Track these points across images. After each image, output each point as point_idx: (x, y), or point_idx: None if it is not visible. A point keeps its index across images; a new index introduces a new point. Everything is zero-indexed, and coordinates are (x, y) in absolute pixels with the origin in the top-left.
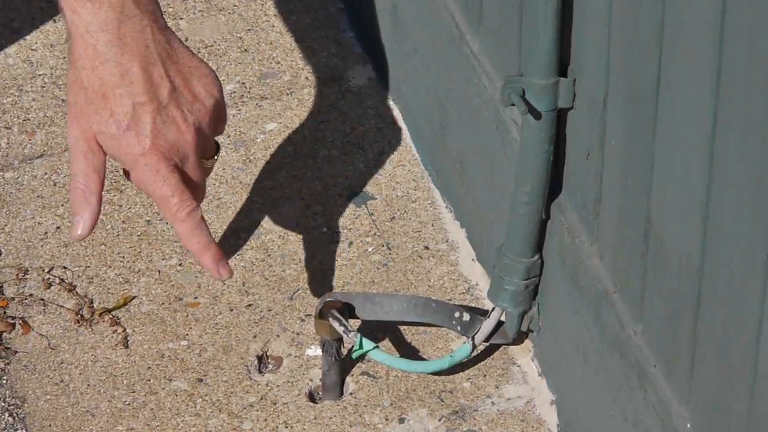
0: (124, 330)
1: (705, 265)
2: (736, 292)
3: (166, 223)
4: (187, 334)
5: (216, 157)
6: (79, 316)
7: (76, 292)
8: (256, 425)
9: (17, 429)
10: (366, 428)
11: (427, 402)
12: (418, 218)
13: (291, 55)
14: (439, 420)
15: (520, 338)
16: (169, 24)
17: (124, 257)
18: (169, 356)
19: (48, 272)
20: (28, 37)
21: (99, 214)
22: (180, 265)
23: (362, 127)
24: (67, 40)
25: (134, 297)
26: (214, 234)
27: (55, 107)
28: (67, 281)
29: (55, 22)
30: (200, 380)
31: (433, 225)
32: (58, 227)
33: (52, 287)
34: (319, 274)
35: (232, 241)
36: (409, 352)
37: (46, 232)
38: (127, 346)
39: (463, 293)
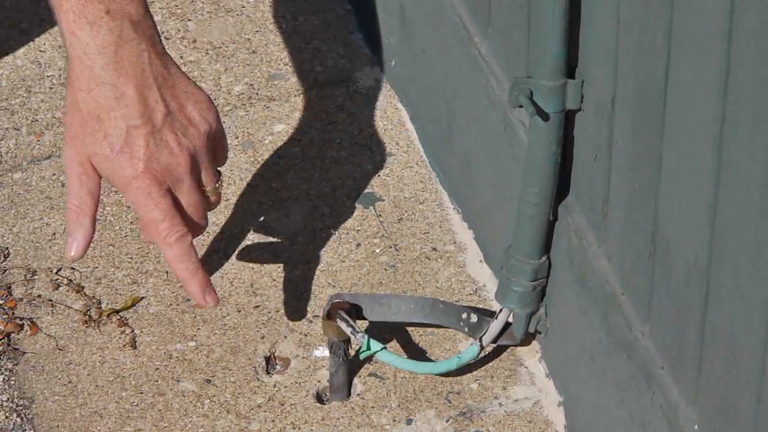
0: (132, 331)
1: (712, 267)
2: (743, 293)
3: None
4: (195, 335)
5: (217, 185)
6: (87, 316)
7: (84, 293)
8: (263, 426)
9: (25, 430)
10: (373, 429)
11: (435, 403)
12: (426, 219)
13: (299, 56)
14: (447, 421)
15: (527, 339)
16: (177, 26)
17: (132, 258)
18: (177, 357)
19: (56, 273)
20: (36, 39)
21: (92, 235)
22: None
23: (370, 128)
24: (66, 62)
25: (142, 298)
26: (223, 235)
27: (64, 108)
28: (75, 282)
29: None
30: (208, 381)
31: (440, 226)
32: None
33: (60, 288)
34: (327, 275)
35: (239, 242)
36: (416, 353)
37: (54, 233)
38: (135, 347)
39: (471, 294)
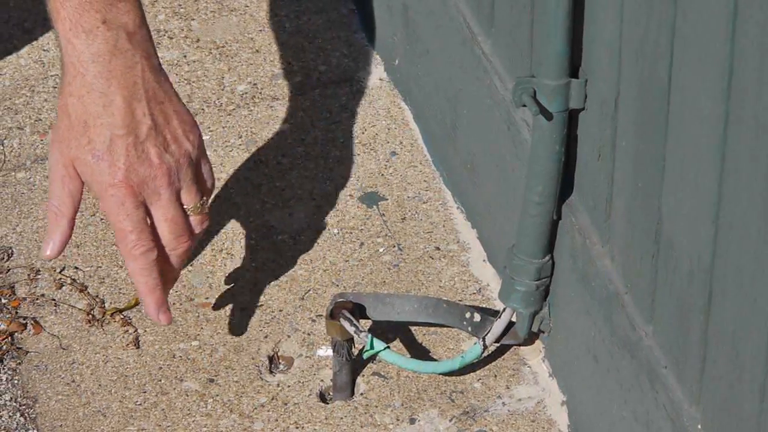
0: (136, 330)
1: (716, 266)
2: (747, 292)
3: None
4: (199, 335)
5: (200, 204)
6: (91, 316)
7: (88, 293)
8: (267, 425)
9: (28, 429)
10: (377, 429)
11: (438, 402)
12: (429, 219)
13: (302, 55)
14: (450, 420)
15: (530, 339)
16: (181, 25)
17: None
18: (180, 356)
19: (59, 272)
20: (40, 38)
21: (69, 237)
22: (191, 265)
23: (373, 127)
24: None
25: None
26: (226, 234)
27: None
28: (78, 281)
29: None
30: (211, 380)
31: (444, 225)
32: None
33: (64, 287)
34: (330, 275)
35: (243, 241)
36: (419, 352)
37: None
38: (138, 347)
39: (474, 294)
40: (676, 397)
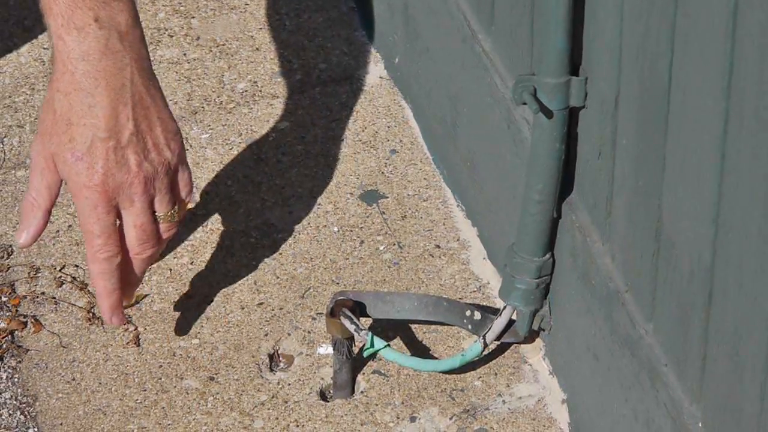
0: (136, 328)
1: (716, 265)
2: (747, 291)
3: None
4: (199, 333)
5: (171, 213)
6: (91, 314)
7: (88, 291)
8: (267, 424)
9: (29, 427)
10: (377, 427)
11: (439, 401)
12: (430, 217)
13: (303, 53)
14: (450, 419)
15: (531, 337)
16: (181, 23)
17: None
18: (180, 354)
19: (60, 270)
20: (40, 36)
21: (43, 228)
22: (191, 263)
23: (374, 125)
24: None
25: (146, 295)
26: (226, 232)
27: None
28: (78, 279)
29: None
30: (211, 378)
31: (444, 224)
32: (70, 226)
33: (64, 285)
34: (331, 273)
35: (243, 239)
36: (420, 350)
37: (57, 231)
38: (138, 345)
39: (475, 292)
40: (677, 396)
